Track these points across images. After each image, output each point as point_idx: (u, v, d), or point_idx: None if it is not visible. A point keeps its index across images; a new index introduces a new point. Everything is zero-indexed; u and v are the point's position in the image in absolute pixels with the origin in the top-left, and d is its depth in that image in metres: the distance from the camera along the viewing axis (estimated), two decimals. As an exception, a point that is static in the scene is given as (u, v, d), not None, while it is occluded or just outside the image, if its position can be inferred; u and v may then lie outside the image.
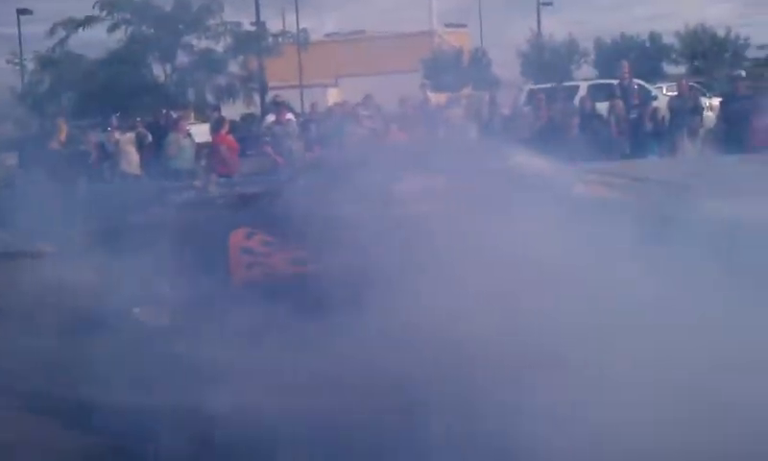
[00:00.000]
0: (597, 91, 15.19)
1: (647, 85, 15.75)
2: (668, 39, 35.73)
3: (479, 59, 39.18)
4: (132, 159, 13.36)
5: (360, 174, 5.71)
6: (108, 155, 13.71)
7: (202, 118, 22.82)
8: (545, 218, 4.64)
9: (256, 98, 23.54)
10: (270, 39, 22.56)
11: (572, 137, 10.48)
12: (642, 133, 10.64)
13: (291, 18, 30.64)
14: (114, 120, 16.05)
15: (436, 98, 18.01)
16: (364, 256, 4.94)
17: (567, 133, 10.54)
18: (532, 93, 16.53)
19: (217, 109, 23.26)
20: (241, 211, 6.55)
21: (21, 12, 33.03)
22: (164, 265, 5.44)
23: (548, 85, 17.11)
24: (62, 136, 13.20)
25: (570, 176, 6.26)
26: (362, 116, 11.05)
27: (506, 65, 36.45)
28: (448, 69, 35.93)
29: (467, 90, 34.58)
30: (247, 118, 23.85)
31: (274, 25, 23.98)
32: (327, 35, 45.10)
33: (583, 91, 16.31)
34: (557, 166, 6.49)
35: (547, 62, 34.68)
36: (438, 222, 5.03)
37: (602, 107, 11.84)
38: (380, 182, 5.69)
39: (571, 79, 27.02)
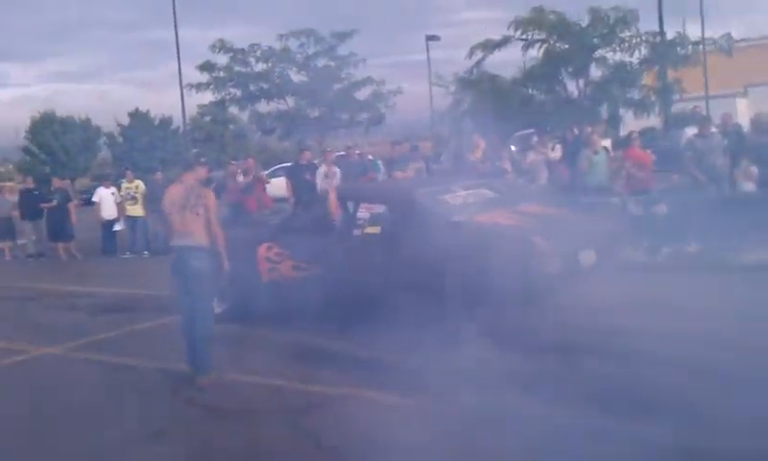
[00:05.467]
0: None
1: None
2: None
3: None
4: (540, 176, 13.85)
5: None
6: (522, 172, 14.33)
7: (607, 134, 22.51)
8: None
9: (668, 111, 22.59)
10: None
11: None
12: None
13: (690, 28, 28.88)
14: (530, 137, 16.53)
15: None
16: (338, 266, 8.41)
17: None
18: None
19: (618, 123, 22.76)
20: (266, 230, 9.76)
21: (430, 38, 36.51)
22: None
23: None
24: (479, 153, 14.04)
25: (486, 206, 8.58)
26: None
27: None
28: None
29: None
30: (647, 132, 22.93)
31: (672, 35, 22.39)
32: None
33: None
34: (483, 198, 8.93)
35: None
36: (380, 241, 8.27)
37: None
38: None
39: None
